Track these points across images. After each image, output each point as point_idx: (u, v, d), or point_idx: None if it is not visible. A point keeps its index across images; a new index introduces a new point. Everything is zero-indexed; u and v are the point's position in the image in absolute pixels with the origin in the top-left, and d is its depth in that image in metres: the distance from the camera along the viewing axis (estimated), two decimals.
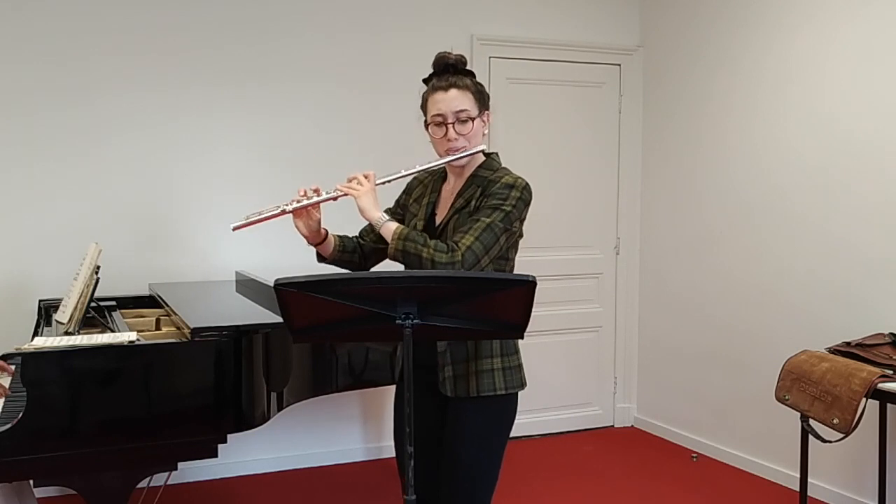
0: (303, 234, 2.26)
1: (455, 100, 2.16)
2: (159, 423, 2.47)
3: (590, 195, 4.90)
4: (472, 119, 2.17)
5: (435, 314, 1.76)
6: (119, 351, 2.47)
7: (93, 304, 3.04)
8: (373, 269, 2.39)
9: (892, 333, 3.28)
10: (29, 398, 2.33)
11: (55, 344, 2.47)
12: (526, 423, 4.56)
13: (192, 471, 3.93)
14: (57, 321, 3.00)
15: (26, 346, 2.44)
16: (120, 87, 3.91)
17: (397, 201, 2.42)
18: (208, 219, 4.07)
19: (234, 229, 2.19)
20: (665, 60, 4.76)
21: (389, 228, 2.12)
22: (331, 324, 1.82)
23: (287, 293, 1.74)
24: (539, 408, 4.65)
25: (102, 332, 2.83)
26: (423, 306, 1.74)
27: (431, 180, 2.34)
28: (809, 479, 3.39)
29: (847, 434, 2.96)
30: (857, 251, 3.60)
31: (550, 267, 4.67)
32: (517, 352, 2.22)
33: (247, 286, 3.54)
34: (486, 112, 2.23)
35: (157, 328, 3.19)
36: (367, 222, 2.35)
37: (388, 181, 2.19)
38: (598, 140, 4.90)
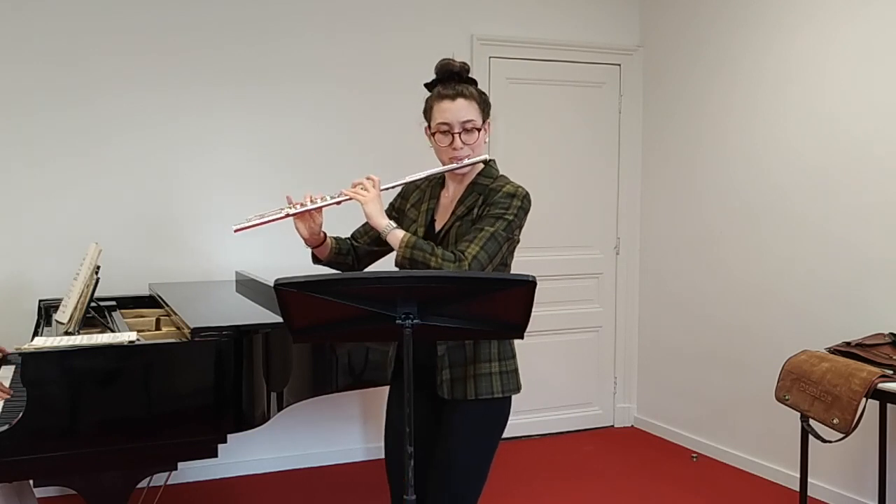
0: (302, 236, 2.29)
1: (462, 110, 2.17)
2: (159, 423, 2.47)
3: (590, 195, 4.90)
4: (478, 129, 2.19)
5: (435, 314, 1.77)
6: (119, 351, 2.47)
7: (93, 304, 3.04)
8: (369, 270, 2.40)
9: (892, 333, 3.28)
10: (29, 398, 2.33)
11: (55, 344, 2.47)
12: (526, 423, 4.56)
13: (192, 471, 3.93)
14: (57, 321, 3.00)
15: (26, 346, 2.44)
16: (120, 87, 3.91)
17: (392, 205, 2.42)
18: (208, 219, 4.07)
19: (237, 231, 2.20)
20: (665, 60, 4.76)
21: (397, 236, 2.13)
22: (331, 324, 1.82)
23: (287, 293, 1.74)
24: (539, 408, 4.65)
25: (102, 332, 2.83)
26: (423, 306, 1.75)
27: (429, 186, 2.35)
28: (809, 479, 3.39)
29: (847, 434, 2.96)
30: (857, 251, 3.60)
31: (550, 267, 4.67)
32: (514, 356, 2.24)
33: (247, 286, 3.54)
34: (488, 120, 2.25)
35: (157, 328, 3.19)
36: (359, 224, 2.36)
37: (393, 187, 2.21)
38: (598, 140, 4.90)
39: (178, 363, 2.53)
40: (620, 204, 4.98)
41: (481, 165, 2.26)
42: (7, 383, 2.68)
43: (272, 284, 1.74)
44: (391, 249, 2.19)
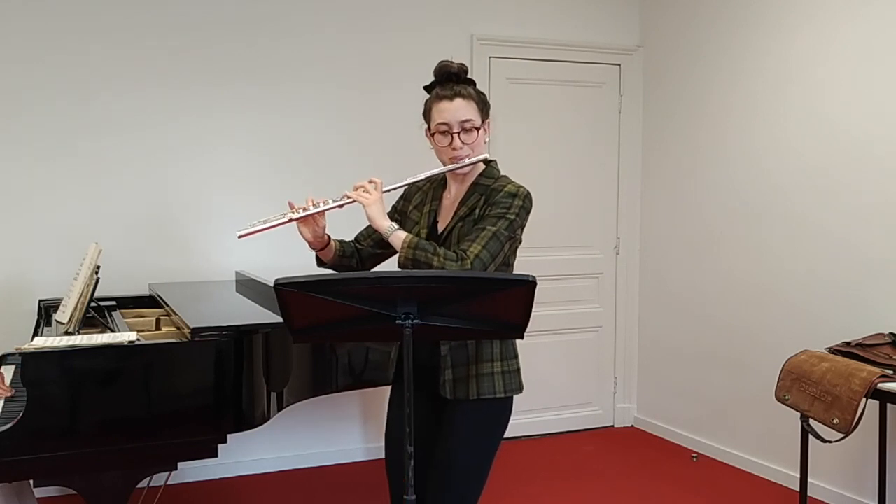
0: (306, 240, 2.29)
1: (460, 109, 2.18)
2: (159, 423, 2.47)
3: (590, 195, 4.90)
4: (477, 129, 2.20)
5: (435, 314, 1.77)
6: (119, 351, 2.47)
7: (93, 304, 3.04)
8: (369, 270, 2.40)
9: (892, 333, 3.28)
10: (29, 398, 2.33)
11: (55, 344, 2.47)
12: (526, 423, 4.57)
13: (192, 471, 3.93)
14: (57, 321, 3.00)
15: (26, 346, 2.44)
16: (120, 87, 3.91)
17: (395, 207, 2.43)
18: (208, 219, 4.08)
19: (240, 237, 2.21)
20: (665, 60, 4.76)
21: (399, 237, 2.14)
22: (331, 324, 1.82)
23: (287, 293, 1.74)
24: (539, 408, 4.65)
25: (102, 332, 2.83)
26: (423, 306, 1.75)
27: (431, 187, 2.36)
28: (809, 479, 3.39)
29: (847, 434, 2.96)
30: (857, 251, 3.60)
31: (550, 267, 4.67)
32: (516, 356, 2.25)
33: (247, 286, 3.54)
34: (487, 120, 2.26)
35: (157, 328, 3.19)
36: (363, 227, 2.37)
37: (395, 188, 2.21)
38: (598, 140, 4.90)
39: (178, 363, 2.53)
40: (620, 204, 4.98)
41: (482, 166, 2.28)
42: (7, 383, 2.68)
43: (272, 284, 1.74)
44: (395, 252, 2.19)
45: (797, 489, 3.49)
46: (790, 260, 3.93)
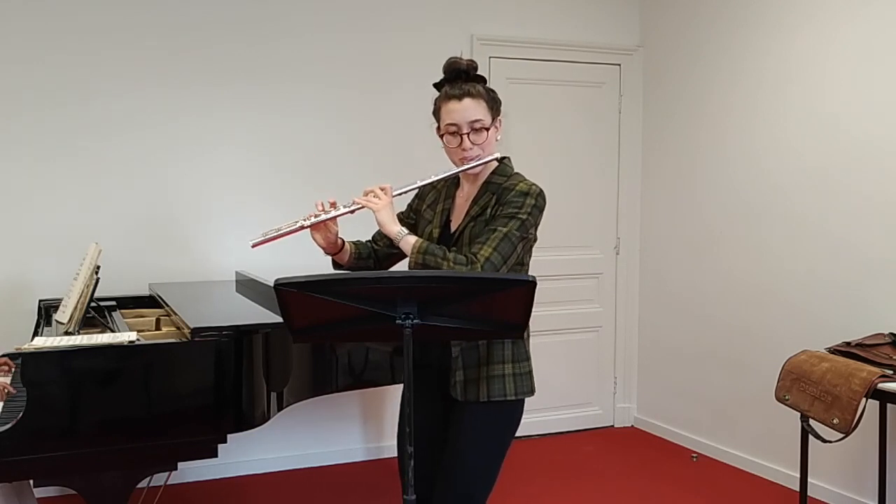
0: (320, 246, 2.28)
1: (469, 109, 2.16)
2: (159, 423, 2.47)
3: (590, 195, 4.90)
4: (487, 128, 2.17)
5: (435, 314, 1.76)
6: (119, 351, 2.47)
7: (93, 304, 3.04)
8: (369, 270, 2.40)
9: (892, 333, 3.28)
10: (29, 398, 2.34)
11: (55, 344, 2.47)
12: (526, 423, 4.46)
13: (192, 471, 3.93)
14: (57, 321, 3.00)
15: (26, 346, 2.44)
16: (120, 87, 3.91)
17: (410, 206, 2.42)
18: (208, 219, 4.08)
19: (254, 246, 2.21)
20: (665, 60, 4.76)
21: (409, 242, 2.13)
22: (331, 324, 1.82)
23: (287, 293, 1.74)
24: (539, 408, 4.63)
25: (102, 332, 2.83)
26: (423, 306, 1.74)
27: (445, 186, 2.34)
28: (809, 479, 3.39)
29: (847, 434, 2.96)
30: (857, 251, 3.60)
31: (550, 267, 4.67)
32: (528, 358, 2.23)
33: (247, 286, 3.54)
34: (498, 118, 2.23)
35: (157, 328, 3.19)
36: (375, 229, 2.36)
37: (405, 192, 2.20)
38: (598, 140, 4.90)
39: (178, 363, 2.53)
40: (620, 204, 4.98)
41: (495, 164, 2.24)
42: (8, 381, 2.68)
43: (272, 284, 1.74)
44: None
45: (797, 489, 3.48)
46: (790, 260, 3.93)
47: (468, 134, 2.16)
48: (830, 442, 3.11)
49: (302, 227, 2.19)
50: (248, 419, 2.63)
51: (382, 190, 2.17)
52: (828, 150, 3.73)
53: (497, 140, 2.23)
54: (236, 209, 4.08)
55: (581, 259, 4.91)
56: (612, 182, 4.96)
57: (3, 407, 2.46)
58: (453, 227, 2.25)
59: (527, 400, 2.26)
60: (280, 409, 2.78)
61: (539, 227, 2.22)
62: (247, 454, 4.11)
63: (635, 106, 4.95)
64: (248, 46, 4.12)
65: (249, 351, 2.63)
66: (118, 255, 3.78)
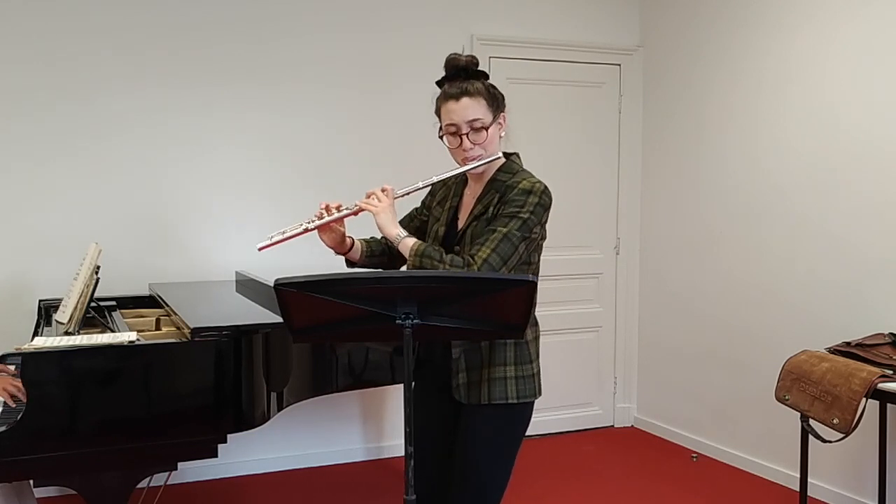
0: (328, 246, 2.28)
1: (467, 109, 2.13)
2: (159, 423, 2.47)
3: (590, 195, 4.90)
4: (486, 127, 2.15)
5: (435, 314, 1.76)
6: (119, 351, 2.47)
7: (93, 304, 3.04)
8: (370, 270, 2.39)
9: (892, 333, 3.28)
10: (29, 398, 2.33)
11: (55, 344, 2.47)
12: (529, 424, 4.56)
13: (192, 471, 3.93)
14: (57, 321, 3.00)
15: (26, 346, 2.44)
16: (120, 87, 3.91)
17: (423, 202, 2.41)
18: (208, 219, 4.08)
19: (260, 250, 2.21)
20: (665, 60, 4.76)
21: (407, 245, 2.11)
22: (331, 324, 1.82)
23: (287, 293, 1.74)
24: (539, 408, 4.57)
25: (102, 332, 2.83)
26: (423, 306, 1.74)
27: (455, 183, 2.32)
28: (809, 479, 3.39)
29: (847, 434, 2.96)
30: (857, 251, 3.60)
31: (550, 267, 4.61)
32: (533, 361, 2.19)
33: (247, 286, 3.54)
34: (502, 114, 2.21)
35: (157, 328, 3.19)
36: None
37: (406, 194, 2.19)
38: (598, 140, 4.90)
39: (178, 363, 2.53)
40: (620, 204, 4.98)
41: (502, 160, 2.22)
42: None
43: (272, 284, 1.74)
44: None
45: (797, 489, 3.48)
46: (790, 260, 3.93)
47: (468, 134, 2.14)
48: (830, 442, 3.11)
49: (307, 230, 2.18)
50: (248, 419, 2.63)
51: (384, 192, 2.15)
52: (828, 150, 3.73)
53: (501, 136, 2.21)
54: (236, 209, 4.08)
55: (581, 259, 4.91)
56: (612, 182, 4.96)
57: (4, 407, 2.46)
58: (459, 224, 2.23)
59: None
60: (280, 409, 2.78)
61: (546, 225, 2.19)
62: (247, 454, 4.11)
63: (635, 106, 4.95)
64: (248, 46, 4.12)
65: (249, 351, 2.63)
66: (118, 255, 3.78)
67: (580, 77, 4.82)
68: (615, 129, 4.94)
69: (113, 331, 2.83)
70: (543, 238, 2.20)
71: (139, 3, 3.93)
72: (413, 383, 2.35)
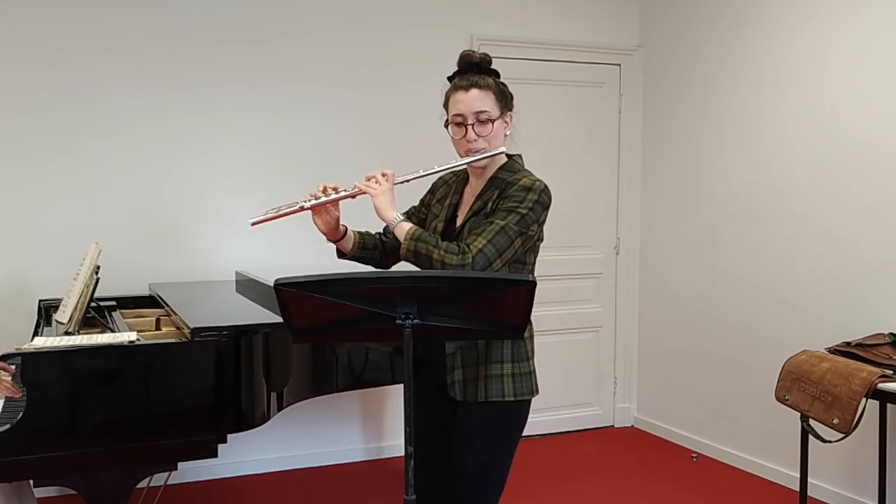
0: (321, 231, 2.25)
1: (475, 100, 2.14)
2: (159, 423, 2.47)
3: (590, 195, 4.90)
4: (493, 120, 2.15)
5: (435, 314, 1.76)
6: (119, 351, 2.47)
7: (93, 304, 3.04)
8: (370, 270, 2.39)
9: (892, 333, 3.28)
10: (29, 398, 2.34)
11: (55, 344, 2.47)
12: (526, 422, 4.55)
13: (192, 471, 3.93)
14: (57, 321, 3.00)
15: (26, 346, 2.44)
16: (120, 87, 3.91)
17: (422, 200, 2.41)
18: (208, 219, 4.08)
19: (253, 224, 2.18)
20: (665, 60, 4.76)
21: (403, 228, 2.11)
22: (331, 324, 1.82)
23: (287, 293, 1.74)
24: (539, 408, 4.57)
25: (102, 332, 2.83)
26: (423, 306, 1.74)
27: (455, 181, 2.33)
28: (809, 479, 3.39)
29: (847, 434, 2.96)
30: (857, 251, 3.60)
31: (550, 267, 4.65)
32: (529, 358, 2.19)
33: (247, 286, 3.54)
34: (509, 112, 2.22)
35: (157, 328, 3.19)
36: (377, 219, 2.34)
37: (407, 181, 2.17)
38: (598, 140, 4.90)
39: (178, 363, 2.53)
40: (620, 204, 4.98)
41: (503, 159, 2.22)
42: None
43: (272, 284, 1.74)
44: None
45: (797, 489, 3.48)
46: (790, 260, 3.93)
47: (473, 125, 2.14)
48: (830, 442, 3.11)
49: (302, 209, 2.16)
50: (248, 419, 2.63)
51: (384, 176, 2.15)
52: (828, 150, 3.73)
53: (506, 135, 2.21)
54: (236, 209, 4.08)
55: (581, 259, 4.91)
56: (612, 182, 4.96)
57: (4, 407, 2.46)
58: (458, 222, 2.23)
59: None
60: (280, 409, 2.78)
61: (543, 226, 2.19)
62: (247, 454, 4.11)
63: (635, 106, 4.95)
64: (248, 46, 4.12)
65: (249, 351, 2.63)
66: (118, 255, 3.78)
67: (580, 77, 4.82)
68: (615, 129, 4.94)
69: (113, 331, 2.83)
70: (540, 240, 2.20)
71: (139, 3, 3.93)
72: (416, 384, 2.37)
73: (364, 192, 2.15)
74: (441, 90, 2.24)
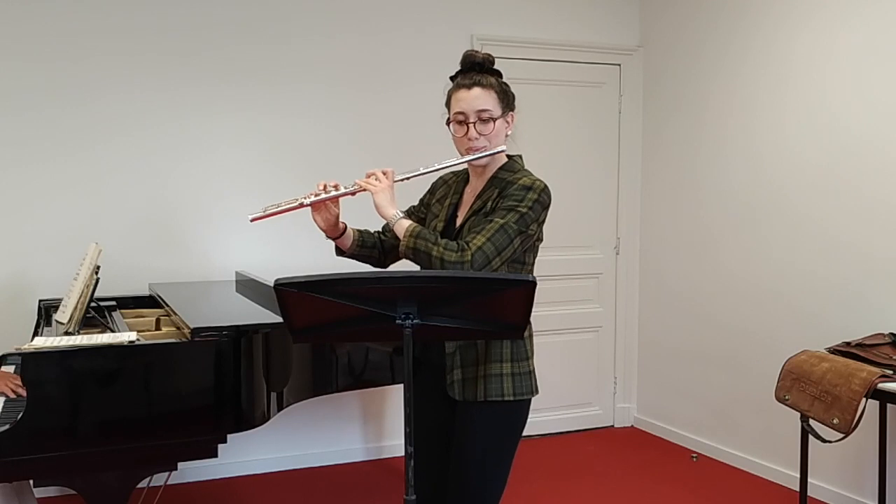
0: (320, 228, 2.25)
1: (477, 98, 2.14)
2: (159, 423, 2.47)
3: (590, 195, 4.90)
4: (494, 119, 2.16)
5: (435, 314, 1.76)
6: (119, 351, 2.47)
7: (93, 304, 3.04)
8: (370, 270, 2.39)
9: (892, 333, 3.28)
10: (29, 398, 2.33)
11: (55, 344, 2.47)
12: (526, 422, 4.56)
13: (192, 471, 3.93)
14: (57, 321, 3.00)
15: (26, 346, 2.44)
16: (120, 87, 3.91)
17: (421, 200, 2.41)
18: (209, 219, 4.08)
19: (252, 220, 2.18)
20: (665, 60, 4.76)
21: (402, 226, 2.11)
22: (331, 324, 1.82)
23: (287, 293, 1.74)
24: (539, 408, 4.60)
25: (102, 332, 2.83)
26: (423, 306, 1.74)
27: (455, 181, 2.33)
28: (809, 479, 3.39)
29: (847, 434, 2.96)
30: (857, 251, 3.60)
31: (550, 267, 4.66)
32: (528, 358, 2.19)
33: (247, 286, 3.54)
34: (511, 113, 2.22)
35: (157, 328, 3.19)
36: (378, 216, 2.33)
37: (407, 178, 2.17)
38: (598, 140, 4.90)
39: (178, 363, 2.53)
40: (620, 204, 4.98)
41: (504, 159, 2.23)
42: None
43: (272, 284, 1.74)
44: None
45: (797, 489, 3.48)
46: (790, 260, 3.93)
47: (474, 123, 2.14)
48: (830, 442, 3.11)
49: (301, 205, 2.16)
50: (248, 419, 2.63)
51: (385, 173, 2.15)
52: (828, 150, 3.73)
53: (507, 135, 2.21)
54: (236, 209, 4.08)
55: (581, 259, 4.91)
56: (612, 182, 4.96)
57: (4, 407, 2.46)
58: (458, 221, 2.23)
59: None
60: (280, 409, 2.78)
61: (543, 227, 2.19)
62: (247, 454, 4.11)
63: (635, 106, 4.95)
64: (248, 46, 4.12)
65: (249, 351, 2.63)
66: (118, 255, 3.78)
67: (580, 77, 4.82)
68: (615, 129, 4.94)
69: (113, 331, 2.83)
70: (540, 240, 2.20)
71: (139, 3, 3.93)
72: (415, 384, 2.36)
73: (364, 190, 2.15)
74: (442, 90, 2.25)
